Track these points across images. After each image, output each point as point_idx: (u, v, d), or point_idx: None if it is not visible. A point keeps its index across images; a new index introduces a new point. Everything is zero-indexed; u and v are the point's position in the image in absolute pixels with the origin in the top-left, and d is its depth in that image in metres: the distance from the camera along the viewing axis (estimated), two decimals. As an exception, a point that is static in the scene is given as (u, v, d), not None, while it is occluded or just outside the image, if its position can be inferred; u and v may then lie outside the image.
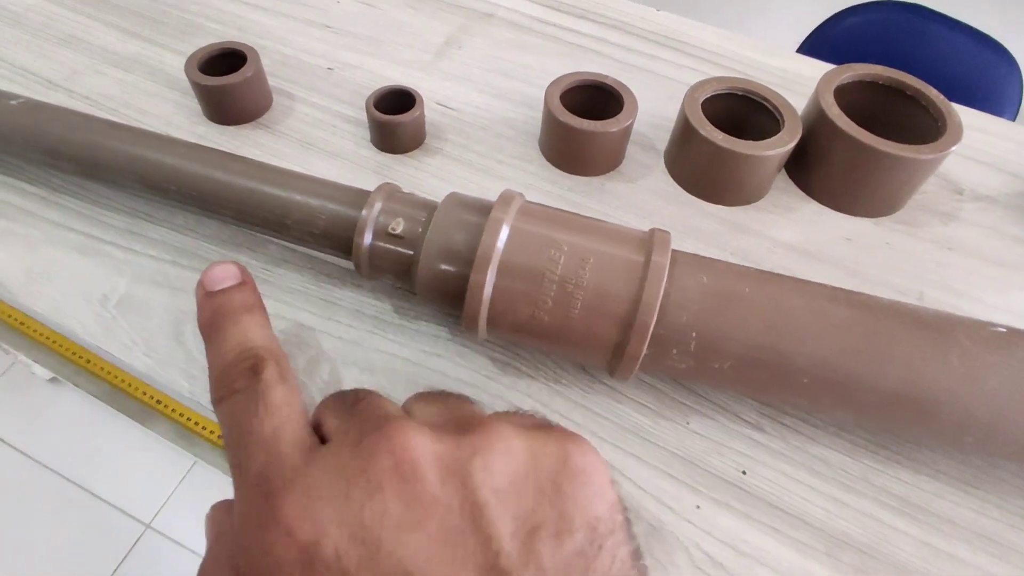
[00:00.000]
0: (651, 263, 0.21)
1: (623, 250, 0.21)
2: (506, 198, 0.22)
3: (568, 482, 0.16)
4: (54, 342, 0.69)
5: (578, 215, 0.23)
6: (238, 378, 0.18)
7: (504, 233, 0.21)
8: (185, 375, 0.24)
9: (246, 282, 0.21)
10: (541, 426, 0.18)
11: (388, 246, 0.23)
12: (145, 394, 0.64)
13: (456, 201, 0.23)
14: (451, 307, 0.23)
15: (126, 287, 0.27)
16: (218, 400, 0.18)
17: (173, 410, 0.64)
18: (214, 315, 0.20)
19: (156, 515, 1.04)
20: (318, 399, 0.24)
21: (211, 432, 0.66)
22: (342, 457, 0.16)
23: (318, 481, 0.15)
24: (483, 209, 0.23)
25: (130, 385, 0.64)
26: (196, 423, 0.65)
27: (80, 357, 0.68)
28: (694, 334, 0.21)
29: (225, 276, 0.21)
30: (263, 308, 0.21)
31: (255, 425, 0.17)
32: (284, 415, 0.17)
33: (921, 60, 0.87)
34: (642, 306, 0.20)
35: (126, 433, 1.07)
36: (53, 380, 1.09)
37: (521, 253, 0.21)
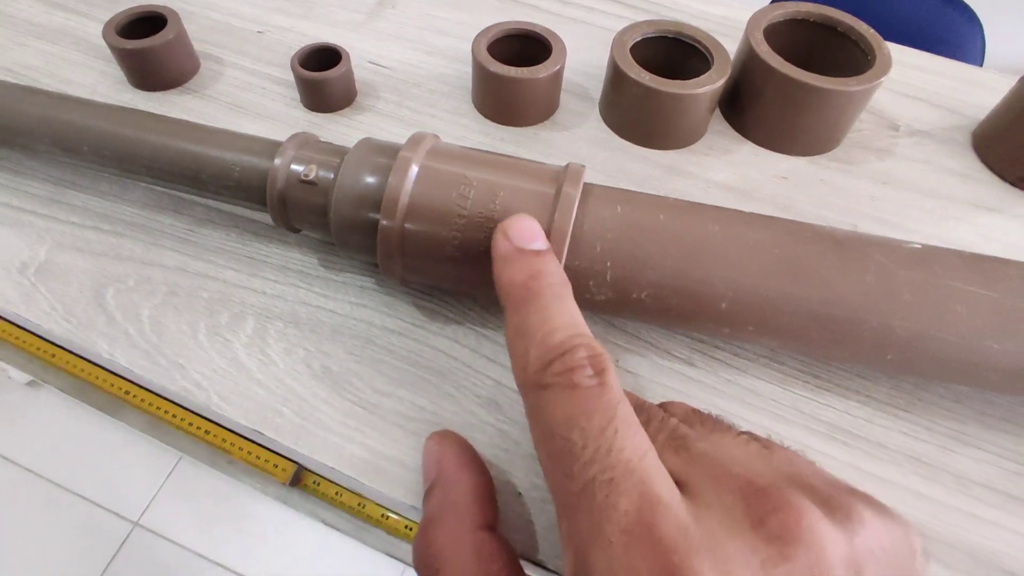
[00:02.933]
0: (562, 194, 0.21)
1: (534, 183, 0.21)
2: (416, 139, 0.22)
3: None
4: (16, 338, 0.68)
5: (492, 153, 0.23)
6: (577, 369, 0.15)
7: (413, 173, 0.21)
8: (105, 338, 0.24)
9: (551, 250, 0.19)
10: (864, 497, 0.16)
11: (302, 194, 0.23)
12: (113, 385, 0.63)
13: (368, 145, 0.23)
14: (369, 254, 0.23)
15: (46, 254, 0.26)
16: (543, 385, 0.15)
17: (143, 400, 0.64)
18: (532, 279, 0.18)
19: (144, 512, 1.03)
20: (242, 355, 0.24)
21: (182, 420, 0.65)
22: (743, 533, 0.13)
23: (730, 557, 0.13)
24: (394, 151, 0.22)
25: (97, 377, 0.63)
26: (167, 412, 0.65)
27: (44, 352, 0.67)
28: (609, 264, 0.21)
29: (534, 235, 0.19)
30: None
31: (615, 443, 0.14)
32: (644, 444, 0.15)
33: (885, 17, 0.87)
34: (553, 237, 0.20)
35: (107, 432, 1.07)
36: (31, 384, 1.08)
37: (430, 192, 0.21)
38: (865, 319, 0.20)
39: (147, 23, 0.31)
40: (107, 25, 0.30)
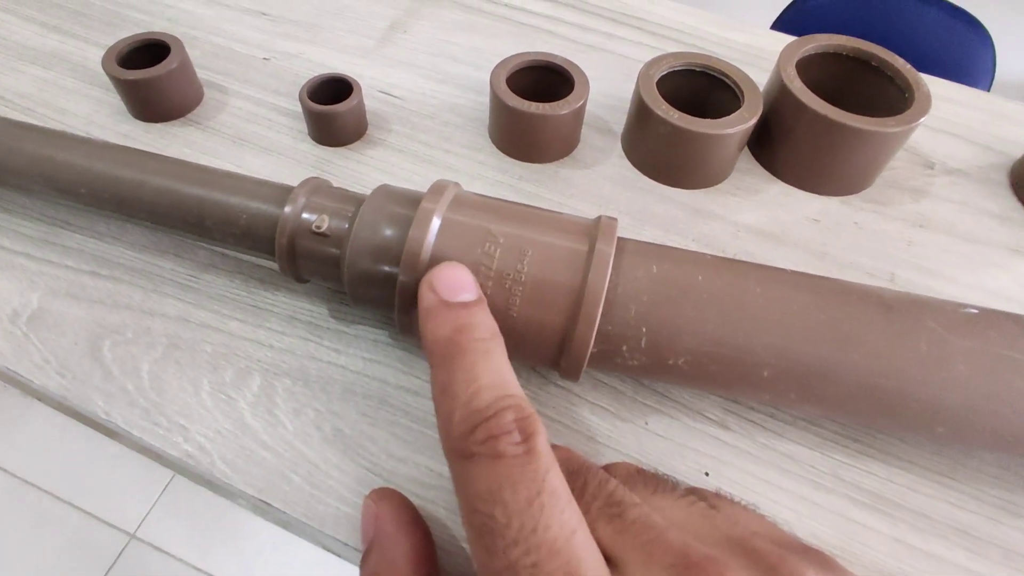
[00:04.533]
0: (595, 252, 0.19)
1: (565, 240, 0.20)
2: (438, 188, 0.21)
3: None
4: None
5: (517, 204, 0.21)
6: (503, 436, 0.14)
7: (435, 226, 0.20)
8: (102, 395, 0.23)
9: (483, 300, 0.18)
10: (816, 556, 0.16)
11: (313, 245, 0.21)
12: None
13: (385, 194, 0.21)
14: (385, 309, 0.21)
15: (39, 302, 0.25)
16: (467, 455, 0.15)
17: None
18: (458, 335, 0.16)
19: (140, 524, 1.02)
20: (248, 415, 0.22)
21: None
22: None
23: None
24: (414, 201, 0.21)
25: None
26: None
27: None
28: (644, 329, 0.19)
29: (463, 286, 0.18)
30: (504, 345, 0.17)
31: (540, 520, 0.13)
32: (574, 519, 0.14)
33: (894, 34, 0.85)
34: (586, 300, 0.19)
35: (104, 445, 1.05)
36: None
37: (453, 247, 0.19)
38: (916, 391, 0.19)
39: (148, 51, 0.30)
40: (107, 54, 0.29)
